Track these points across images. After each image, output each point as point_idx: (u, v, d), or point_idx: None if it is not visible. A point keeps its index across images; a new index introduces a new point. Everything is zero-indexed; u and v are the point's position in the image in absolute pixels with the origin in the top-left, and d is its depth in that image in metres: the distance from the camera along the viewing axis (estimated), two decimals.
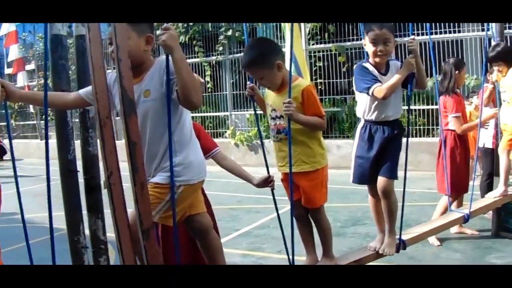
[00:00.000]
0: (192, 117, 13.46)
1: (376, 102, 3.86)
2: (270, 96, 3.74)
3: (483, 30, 9.65)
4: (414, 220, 6.88)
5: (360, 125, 4.06)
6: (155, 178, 2.97)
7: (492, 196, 5.34)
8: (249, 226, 7.22)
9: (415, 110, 11.92)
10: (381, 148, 3.92)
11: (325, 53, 12.82)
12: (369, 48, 3.82)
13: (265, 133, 13.42)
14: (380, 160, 3.95)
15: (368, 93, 3.81)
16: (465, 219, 4.79)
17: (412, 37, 3.73)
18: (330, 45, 12.60)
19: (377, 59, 3.81)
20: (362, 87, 3.84)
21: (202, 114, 15.01)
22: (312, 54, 13.05)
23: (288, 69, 3.44)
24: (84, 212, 3.60)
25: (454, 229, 6.03)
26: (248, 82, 3.82)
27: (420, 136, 11.86)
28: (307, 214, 3.85)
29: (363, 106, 3.98)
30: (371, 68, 3.86)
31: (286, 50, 11.91)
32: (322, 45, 12.88)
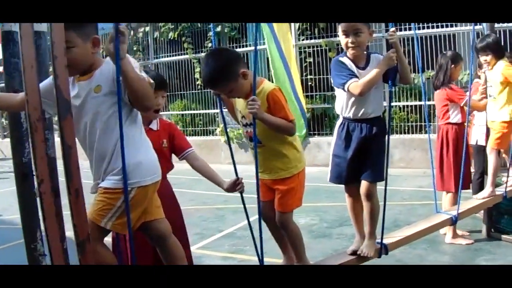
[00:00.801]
0: (182, 115, 13.40)
1: (353, 98, 3.64)
2: (239, 102, 3.56)
3: (476, 24, 9.43)
4: (403, 221, 6.73)
5: (338, 122, 3.85)
6: (104, 182, 2.77)
7: (480, 197, 5.13)
8: (234, 227, 7.00)
9: (407, 106, 11.72)
10: (359, 148, 3.69)
11: (315, 48, 12.55)
12: (341, 40, 3.63)
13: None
14: (361, 161, 3.72)
15: (343, 89, 3.61)
16: (453, 221, 4.57)
17: (392, 29, 3.50)
18: (320, 40, 12.33)
19: (350, 51, 3.60)
20: (338, 83, 3.64)
21: (192, 112, 14.72)
22: (302, 49, 12.82)
23: (257, 68, 3.24)
24: None
25: (448, 239, 5.78)
26: None
27: (412, 133, 11.61)
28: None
29: (341, 103, 3.77)
30: (347, 62, 3.65)
31: (272, 48, 11.92)
32: (312, 41, 12.61)
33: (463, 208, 4.72)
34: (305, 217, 7.28)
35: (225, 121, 3.65)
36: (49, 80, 2.79)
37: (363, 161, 3.70)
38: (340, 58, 3.70)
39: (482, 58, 5.28)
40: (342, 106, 3.75)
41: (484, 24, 5.84)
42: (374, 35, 4.78)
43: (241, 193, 3.53)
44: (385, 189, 3.69)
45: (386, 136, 3.68)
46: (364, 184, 3.75)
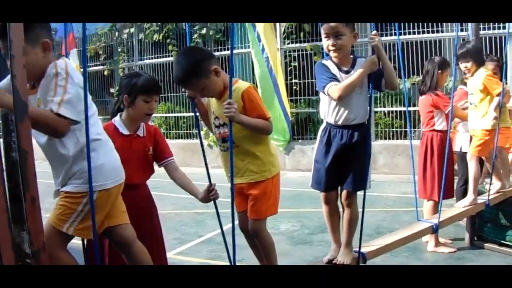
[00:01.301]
0: (165, 118, 13.18)
1: (335, 103, 3.54)
2: (213, 104, 3.49)
3: (462, 30, 9.40)
4: (385, 228, 6.66)
5: (322, 126, 3.74)
6: (65, 186, 2.69)
7: (462, 205, 5.06)
8: (213, 233, 6.84)
9: (391, 111, 11.64)
10: (338, 156, 3.58)
11: (300, 52, 12.42)
12: (323, 42, 3.53)
13: None
14: (341, 169, 3.62)
15: (323, 92, 3.52)
16: (434, 230, 4.49)
17: (374, 32, 3.42)
18: (306, 44, 12.21)
19: (331, 54, 3.50)
20: (319, 86, 3.55)
21: (175, 115, 14.55)
22: (287, 53, 12.68)
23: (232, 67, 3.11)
24: None
25: (430, 248, 5.69)
26: None
27: (397, 139, 11.55)
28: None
29: (324, 107, 3.67)
30: (331, 65, 3.55)
31: (256, 51, 11.82)
32: (297, 45, 12.48)
33: (444, 217, 4.64)
34: (286, 223, 7.17)
35: (199, 126, 3.68)
36: (6, 80, 2.69)
37: (343, 169, 3.60)
38: (324, 61, 3.62)
39: (462, 65, 5.21)
40: (325, 110, 3.65)
41: (469, 30, 5.78)
42: (360, 39, 4.69)
43: (215, 200, 3.43)
44: (364, 197, 3.59)
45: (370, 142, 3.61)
46: (344, 193, 3.67)
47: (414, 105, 10.09)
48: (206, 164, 3.32)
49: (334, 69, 3.54)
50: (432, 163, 5.68)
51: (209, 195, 3.44)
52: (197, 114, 3.54)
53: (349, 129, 3.57)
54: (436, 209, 5.54)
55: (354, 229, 3.76)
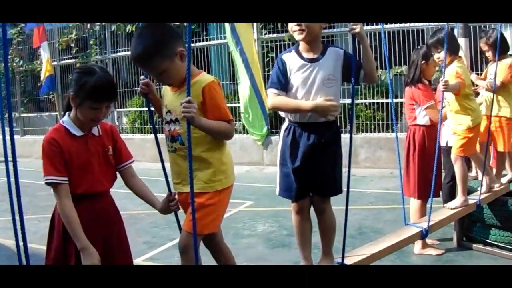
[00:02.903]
0: (139, 112, 12.68)
1: (300, 97, 3.19)
2: (167, 95, 3.04)
3: None
4: (368, 227, 6.37)
5: (284, 126, 3.33)
6: None
7: (453, 206, 4.70)
8: None
9: (373, 103, 11.29)
10: (307, 158, 3.19)
11: (278, 43, 11.97)
12: (289, 25, 3.19)
13: None
14: (311, 174, 3.24)
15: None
16: (423, 235, 4.11)
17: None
18: (284, 34, 11.74)
19: (296, 37, 3.13)
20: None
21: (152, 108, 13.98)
22: (264, 44, 12.27)
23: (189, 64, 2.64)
24: None
25: (417, 250, 5.33)
26: (142, 77, 3.07)
27: (379, 132, 11.19)
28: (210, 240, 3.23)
29: None
30: (290, 59, 3.21)
31: (232, 43, 11.41)
32: (274, 35, 12.06)
33: (434, 220, 4.26)
34: (263, 223, 6.81)
35: (154, 124, 3.33)
36: None
37: (314, 173, 3.21)
38: (284, 55, 3.26)
39: (435, 56, 4.82)
40: None
41: None
42: (339, 29, 4.31)
43: (176, 212, 3.02)
44: (347, 204, 3.18)
45: (348, 140, 3.18)
46: (316, 200, 3.31)
47: (396, 97, 9.77)
48: (164, 170, 2.89)
49: (293, 63, 3.20)
50: (413, 159, 5.35)
51: (169, 205, 3.05)
52: (152, 109, 3.12)
53: (317, 128, 3.19)
54: (423, 209, 5.22)
55: (332, 237, 3.43)
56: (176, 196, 3.11)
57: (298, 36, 3.14)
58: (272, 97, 3.21)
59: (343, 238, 3.30)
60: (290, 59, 3.20)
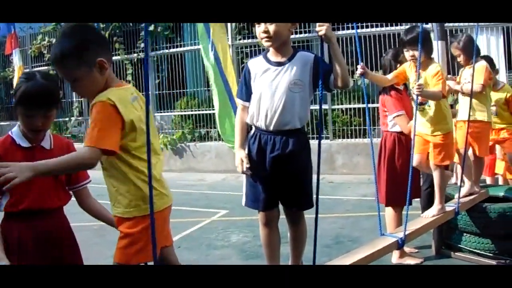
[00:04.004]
0: None
1: (265, 103, 3.07)
2: None
3: (426, 23, 8.93)
4: (346, 236, 6.19)
5: (250, 133, 3.19)
6: None
7: (430, 215, 4.53)
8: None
9: (350, 109, 11.19)
10: (274, 168, 3.05)
11: (253, 48, 11.85)
12: (256, 31, 3.08)
13: (189, 136, 12.57)
14: (280, 185, 3.10)
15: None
16: (399, 245, 3.95)
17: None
18: (258, 40, 11.64)
19: (264, 44, 3.04)
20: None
21: None
22: (239, 50, 12.17)
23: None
24: None
25: (394, 259, 5.15)
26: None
27: (356, 137, 11.11)
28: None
29: (252, 108, 3.17)
30: (256, 65, 3.13)
31: (205, 48, 11.21)
32: (250, 40, 11.92)
33: (410, 229, 4.11)
34: (238, 233, 6.58)
35: None
36: None
37: (282, 185, 3.06)
38: (251, 61, 3.20)
39: (409, 53, 4.44)
40: (253, 112, 3.13)
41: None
42: (310, 34, 4.17)
43: None
44: (316, 217, 2.98)
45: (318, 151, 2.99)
46: (287, 212, 3.19)
47: (373, 102, 9.65)
48: (150, 179, 2.62)
49: (258, 67, 3.12)
50: (385, 165, 5.19)
51: None
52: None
53: (283, 136, 3.05)
54: (400, 217, 5.06)
55: (303, 247, 3.32)
56: None
57: (265, 43, 3.05)
58: (239, 109, 3.20)
59: (313, 250, 3.10)
60: (256, 64, 3.12)
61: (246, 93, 3.17)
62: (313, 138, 11.08)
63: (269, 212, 3.20)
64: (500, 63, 9.76)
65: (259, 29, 3.03)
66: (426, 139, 4.58)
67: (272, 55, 3.12)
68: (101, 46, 2.61)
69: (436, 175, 4.64)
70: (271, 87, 3.04)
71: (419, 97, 4.17)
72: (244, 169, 3.16)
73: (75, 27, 2.61)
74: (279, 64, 3.04)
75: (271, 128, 3.05)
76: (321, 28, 2.80)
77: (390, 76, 4.69)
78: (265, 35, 3.00)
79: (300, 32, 10.99)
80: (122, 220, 2.65)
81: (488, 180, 7.21)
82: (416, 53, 4.23)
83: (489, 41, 10.17)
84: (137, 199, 2.61)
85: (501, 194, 5.30)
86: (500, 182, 7.16)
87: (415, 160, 4.51)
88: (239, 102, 3.25)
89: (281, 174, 3.06)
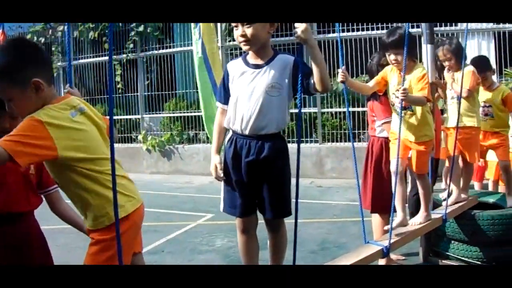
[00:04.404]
0: None
1: (242, 106, 3.03)
2: None
3: (414, 27, 8.84)
4: (332, 242, 6.05)
5: (227, 137, 3.12)
6: None
7: (417, 222, 4.44)
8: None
9: (339, 112, 11.13)
10: (250, 174, 2.98)
11: (243, 50, 11.67)
12: (234, 33, 3.03)
13: (178, 138, 12.44)
14: (257, 192, 3.03)
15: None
16: (384, 254, 3.85)
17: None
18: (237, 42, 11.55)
19: (242, 48, 2.97)
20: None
21: (116, 117, 13.70)
22: (229, 52, 12.07)
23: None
24: None
25: (381, 260, 5.03)
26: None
27: (345, 141, 11.04)
28: None
29: (229, 111, 3.12)
30: (234, 67, 3.09)
31: (198, 49, 11.11)
32: None
33: (396, 237, 4.02)
34: (222, 238, 6.45)
35: (112, 131, 2.82)
36: None
37: (259, 192, 2.99)
38: (230, 63, 3.19)
39: (391, 57, 4.20)
40: (230, 115, 3.07)
41: (423, 26, 5.15)
42: (288, 37, 4.07)
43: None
44: (295, 224, 2.86)
45: (295, 157, 2.86)
46: (266, 220, 3.09)
47: (363, 106, 9.57)
48: (114, 184, 2.51)
49: (236, 69, 3.08)
50: (371, 170, 5.10)
51: None
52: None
53: (259, 141, 2.98)
54: (386, 224, 4.95)
55: (283, 255, 3.21)
56: None
57: (244, 47, 3.00)
58: (218, 111, 3.17)
59: (292, 258, 2.98)
60: (234, 66, 3.07)
61: (225, 96, 3.13)
62: (306, 141, 11.04)
63: (246, 218, 3.12)
64: None
65: (237, 32, 2.96)
66: (407, 145, 4.45)
67: (251, 57, 3.07)
68: (39, 65, 2.45)
69: (420, 183, 4.55)
70: (248, 90, 2.97)
71: (403, 102, 4.00)
72: (218, 175, 3.11)
73: (12, 43, 2.51)
74: (257, 66, 2.97)
75: (247, 132, 2.97)
76: (298, 30, 2.69)
77: (371, 84, 4.55)
78: (243, 38, 2.94)
79: (286, 35, 10.88)
80: (92, 231, 2.56)
81: (477, 186, 7.13)
82: (399, 57, 4.05)
83: (480, 45, 10.12)
84: (104, 208, 2.50)
85: (491, 200, 5.22)
86: (490, 188, 7.07)
87: (395, 164, 4.33)
88: (218, 105, 3.20)
89: (256, 180, 2.98)
